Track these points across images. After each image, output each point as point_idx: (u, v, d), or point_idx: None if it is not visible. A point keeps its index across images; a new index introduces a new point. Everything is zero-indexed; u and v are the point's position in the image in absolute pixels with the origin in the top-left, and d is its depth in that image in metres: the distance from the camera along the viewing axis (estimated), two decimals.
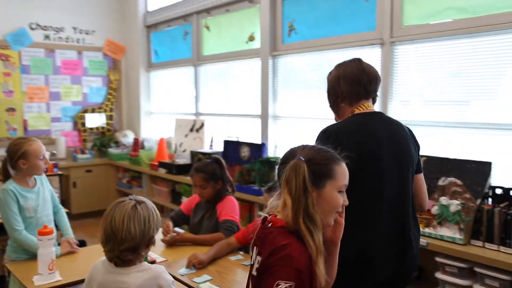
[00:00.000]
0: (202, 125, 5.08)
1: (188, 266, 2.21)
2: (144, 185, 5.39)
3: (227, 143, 4.52)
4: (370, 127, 1.78)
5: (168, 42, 5.80)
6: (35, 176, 2.59)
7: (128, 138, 6.03)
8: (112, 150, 5.91)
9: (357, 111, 1.82)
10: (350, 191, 1.41)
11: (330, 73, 1.92)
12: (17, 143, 2.50)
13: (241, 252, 2.48)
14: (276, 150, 3.96)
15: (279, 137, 4.13)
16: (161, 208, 5.22)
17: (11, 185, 2.47)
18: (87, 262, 2.28)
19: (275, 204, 1.36)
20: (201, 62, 5.17)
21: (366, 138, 1.74)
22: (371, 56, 3.36)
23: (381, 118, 1.86)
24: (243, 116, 4.67)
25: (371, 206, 1.72)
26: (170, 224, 2.75)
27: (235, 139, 4.55)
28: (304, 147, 1.40)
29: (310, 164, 1.31)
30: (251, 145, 4.24)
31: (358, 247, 1.67)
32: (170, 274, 1.61)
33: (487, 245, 2.37)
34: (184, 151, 5.21)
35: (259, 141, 4.31)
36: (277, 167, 1.41)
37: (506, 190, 2.48)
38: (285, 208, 1.28)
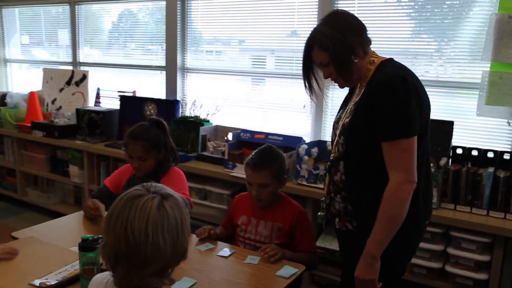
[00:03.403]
0: (84, 78, 4.21)
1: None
2: (7, 151, 4.32)
3: (124, 99, 3.80)
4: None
5: None
6: None
7: None
8: None
9: (376, 60, 1.59)
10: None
11: (316, 37, 1.55)
12: None
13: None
14: (193, 108, 3.41)
15: (194, 93, 3.58)
16: (35, 179, 4.28)
17: None
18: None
19: None
20: (82, 1, 4.21)
21: (424, 90, 1.57)
22: None
23: None
24: (141, 69, 3.97)
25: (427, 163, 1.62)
26: (99, 202, 2.12)
27: (129, 95, 3.86)
28: None
29: None
30: (159, 102, 3.61)
31: None
32: None
33: (459, 207, 2.32)
34: (58, 108, 4.29)
35: (163, 97, 3.71)
36: None
37: (467, 150, 2.45)
38: None
